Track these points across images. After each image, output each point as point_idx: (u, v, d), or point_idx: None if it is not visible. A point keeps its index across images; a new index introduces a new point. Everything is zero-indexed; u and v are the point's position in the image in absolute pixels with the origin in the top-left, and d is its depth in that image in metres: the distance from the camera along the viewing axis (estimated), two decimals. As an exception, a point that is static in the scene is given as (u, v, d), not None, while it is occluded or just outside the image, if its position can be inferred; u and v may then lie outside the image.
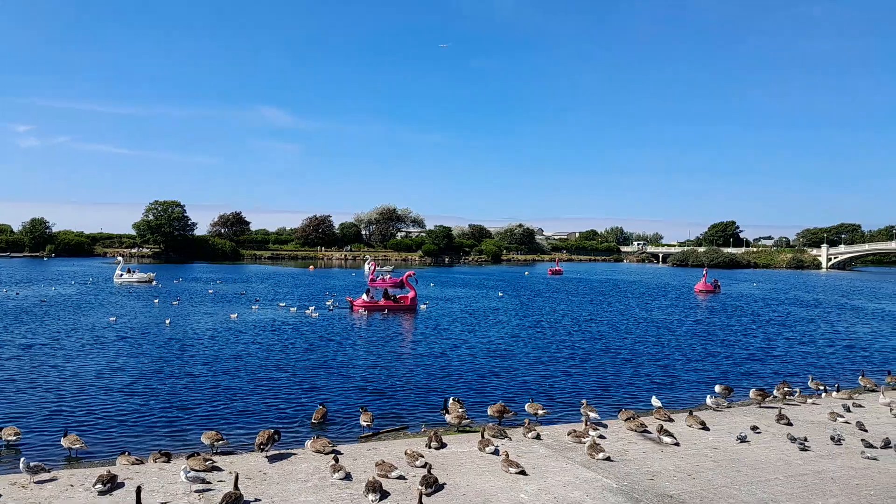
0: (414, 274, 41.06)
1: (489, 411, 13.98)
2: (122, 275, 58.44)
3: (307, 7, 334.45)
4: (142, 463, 10.51)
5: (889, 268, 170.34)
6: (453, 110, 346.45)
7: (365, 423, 13.26)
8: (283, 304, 39.61)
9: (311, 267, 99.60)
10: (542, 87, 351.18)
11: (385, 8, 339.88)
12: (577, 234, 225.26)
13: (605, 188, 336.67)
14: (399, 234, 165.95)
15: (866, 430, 12.74)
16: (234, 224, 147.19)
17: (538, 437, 12.27)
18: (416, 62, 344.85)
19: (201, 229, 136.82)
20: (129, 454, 10.71)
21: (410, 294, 39.44)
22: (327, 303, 40.31)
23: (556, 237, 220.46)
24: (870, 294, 65.07)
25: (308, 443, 11.43)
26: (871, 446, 11.54)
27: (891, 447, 11.49)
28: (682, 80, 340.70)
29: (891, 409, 14.75)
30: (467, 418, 13.45)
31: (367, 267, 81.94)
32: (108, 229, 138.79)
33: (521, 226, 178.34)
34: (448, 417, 13.35)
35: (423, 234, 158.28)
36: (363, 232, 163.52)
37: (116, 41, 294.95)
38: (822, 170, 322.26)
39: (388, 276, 65.86)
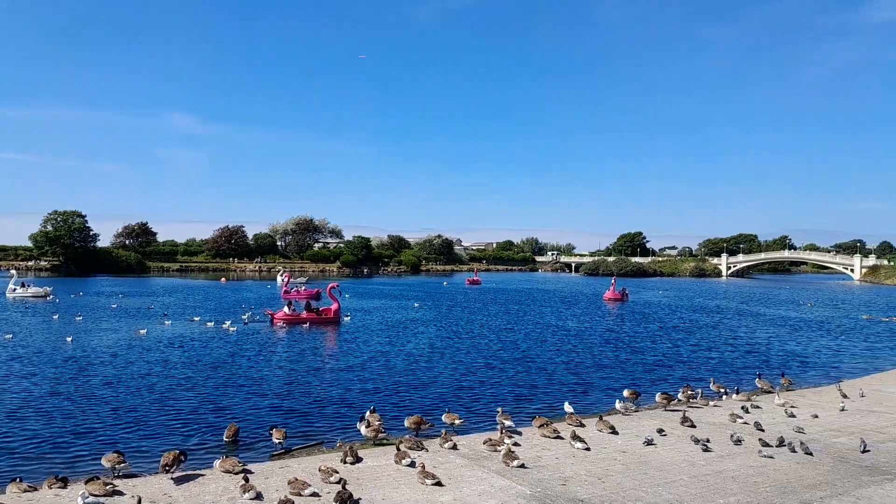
0: (338, 286, 40.37)
1: (406, 423, 13.90)
2: (15, 289, 54.58)
3: (222, 13, 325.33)
4: (35, 490, 9.75)
5: (783, 275, 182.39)
6: (373, 121, 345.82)
7: (277, 441, 12.86)
8: (198, 319, 38.04)
9: (223, 279, 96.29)
10: (461, 99, 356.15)
11: (304, 17, 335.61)
12: (495, 245, 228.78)
13: (522, 199, 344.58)
14: (316, 244, 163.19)
15: (763, 430, 13.47)
16: (140, 235, 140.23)
17: (455, 447, 12.28)
18: (334, 72, 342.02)
19: (105, 241, 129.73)
20: (21, 481, 9.93)
21: (334, 306, 38.73)
22: (243, 316, 38.97)
23: (474, 248, 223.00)
24: (766, 300, 69.34)
25: (217, 462, 10.96)
26: (767, 445, 12.20)
27: (785, 445, 12.19)
28: (592, 94, 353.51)
29: (785, 410, 15.68)
30: (384, 431, 13.30)
31: (279, 279, 79.83)
32: (1, 241, 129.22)
33: (440, 236, 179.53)
34: (364, 431, 13.16)
35: (342, 245, 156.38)
36: (279, 243, 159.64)
37: (6, 42, 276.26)
38: (722, 183, 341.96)
39: (303, 288, 63.95)
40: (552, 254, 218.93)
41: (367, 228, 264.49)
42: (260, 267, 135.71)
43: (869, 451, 12.07)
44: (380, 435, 13.10)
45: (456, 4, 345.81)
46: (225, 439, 13.29)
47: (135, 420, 15.17)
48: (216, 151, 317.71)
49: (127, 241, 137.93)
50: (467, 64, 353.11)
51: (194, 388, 18.90)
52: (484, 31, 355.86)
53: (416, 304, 53.25)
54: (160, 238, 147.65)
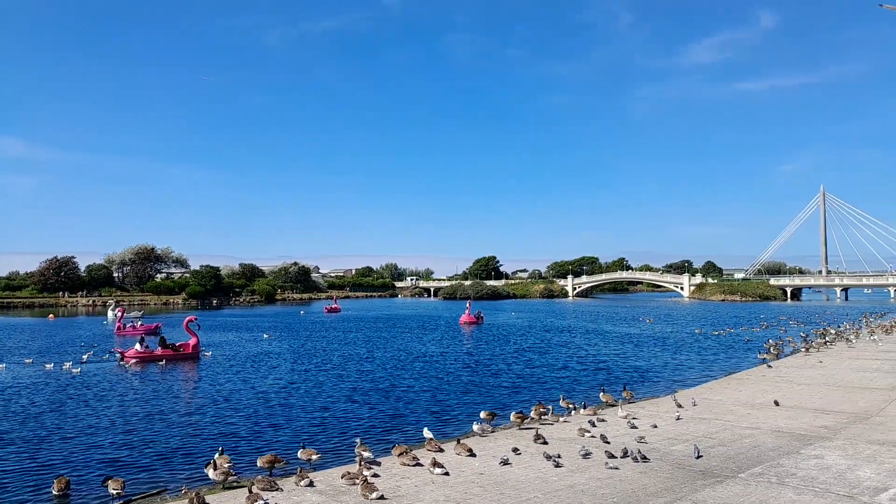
0: (196, 319, 37.73)
1: (259, 463, 13.23)
2: None
3: (55, 31, 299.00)
4: None
5: (622, 294, 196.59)
6: (221, 146, 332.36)
7: (115, 491, 11.68)
8: (30, 361, 34.05)
9: (51, 316, 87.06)
10: (314, 124, 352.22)
11: (146, 38, 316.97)
12: (354, 272, 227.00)
13: (381, 225, 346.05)
14: (159, 275, 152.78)
15: (609, 443, 14.18)
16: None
17: (311, 483, 11.79)
18: (179, 94, 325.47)
19: None
20: None
21: (192, 341, 36.18)
22: (84, 356, 35.19)
23: (332, 275, 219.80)
24: (609, 318, 74.23)
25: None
26: (613, 457, 12.84)
27: (628, 456, 12.89)
28: (445, 123, 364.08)
29: (627, 421, 16.65)
30: (234, 473, 12.52)
31: (111, 314, 73.43)
32: None
33: (296, 264, 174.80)
34: (212, 474, 12.28)
35: (188, 276, 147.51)
36: (115, 274, 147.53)
37: None
38: (565, 209, 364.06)
39: (139, 323, 59.30)
40: (411, 279, 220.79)
41: (217, 257, 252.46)
42: (94, 301, 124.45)
43: (702, 456, 13.06)
44: (230, 478, 12.31)
45: (309, 29, 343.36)
46: (55, 493, 11.91)
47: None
48: (46, 178, 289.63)
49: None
50: (324, 88, 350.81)
51: (22, 439, 16.74)
52: (337, 57, 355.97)
53: (264, 335, 50.78)
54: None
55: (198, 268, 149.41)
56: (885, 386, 22.03)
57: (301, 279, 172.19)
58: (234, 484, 12.24)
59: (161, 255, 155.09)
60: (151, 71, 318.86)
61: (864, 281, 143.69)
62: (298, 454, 13.89)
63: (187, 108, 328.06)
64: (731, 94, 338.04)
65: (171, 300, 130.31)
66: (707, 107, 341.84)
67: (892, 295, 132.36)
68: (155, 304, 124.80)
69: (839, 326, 51.52)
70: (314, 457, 13.71)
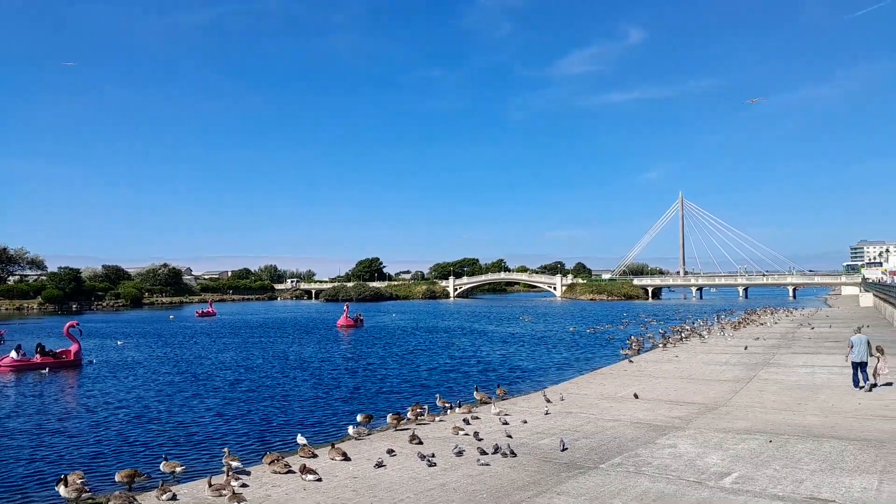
0: (77, 324, 35.15)
1: (117, 478, 12.49)
2: None
3: None
4: None
5: (500, 294, 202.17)
6: (85, 141, 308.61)
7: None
8: None
9: None
10: (186, 118, 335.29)
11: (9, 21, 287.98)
12: (230, 273, 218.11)
13: (259, 226, 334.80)
14: (12, 278, 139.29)
15: (481, 440, 14.55)
16: None
17: (174, 497, 11.24)
18: (35, 81, 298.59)
19: None
20: None
21: (73, 347, 33.75)
22: None
23: (206, 277, 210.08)
24: (489, 318, 76.16)
25: None
26: (484, 453, 13.19)
27: (499, 452, 13.30)
28: (321, 122, 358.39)
29: (500, 418, 17.18)
30: (88, 490, 11.73)
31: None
32: None
33: (165, 265, 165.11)
34: (63, 492, 11.43)
35: (45, 278, 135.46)
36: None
37: None
38: (447, 211, 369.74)
39: None
40: (292, 281, 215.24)
41: (78, 258, 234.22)
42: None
43: (567, 448, 13.71)
44: (83, 495, 11.52)
45: (181, 20, 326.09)
46: None
47: None
48: None
49: None
50: (194, 82, 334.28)
51: None
52: (209, 47, 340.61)
53: (118, 342, 47.27)
54: None
55: (56, 270, 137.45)
56: (733, 378, 24.13)
57: (171, 282, 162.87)
58: (89, 501, 11.54)
59: (14, 257, 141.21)
60: (6, 58, 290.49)
61: (717, 281, 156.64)
62: (161, 467, 13.20)
63: (45, 100, 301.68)
64: (600, 104, 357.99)
65: (26, 305, 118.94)
66: (579, 116, 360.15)
67: (741, 294, 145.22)
68: (7, 308, 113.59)
69: (693, 323, 55.83)
70: (178, 469, 13.07)
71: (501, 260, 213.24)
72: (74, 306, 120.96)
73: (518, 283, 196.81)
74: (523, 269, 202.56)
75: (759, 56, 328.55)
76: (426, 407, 18.26)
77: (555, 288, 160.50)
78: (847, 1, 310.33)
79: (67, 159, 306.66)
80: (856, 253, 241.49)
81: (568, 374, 28.48)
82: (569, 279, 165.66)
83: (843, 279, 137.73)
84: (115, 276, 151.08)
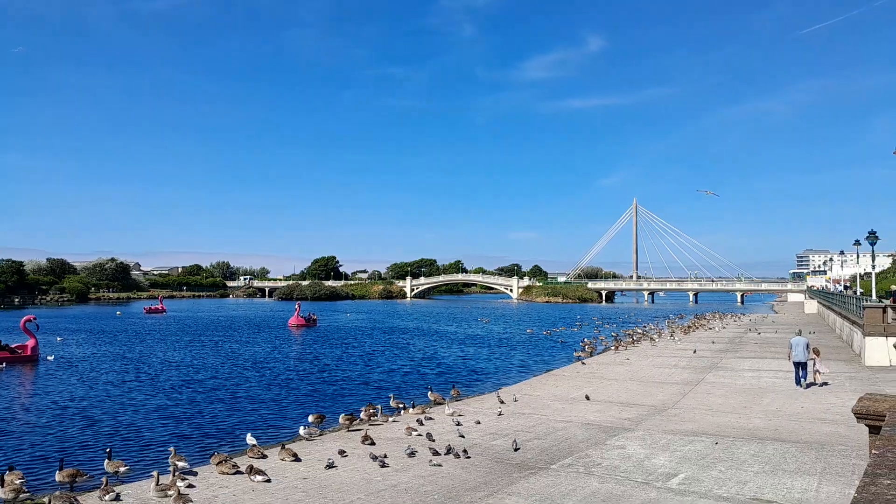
0: (35, 318, 33.96)
1: (58, 478, 12.11)
2: None
3: None
4: None
5: (457, 295, 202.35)
6: (35, 128, 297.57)
7: None
8: None
9: None
10: (141, 108, 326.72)
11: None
12: (181, 269, 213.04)
13: (211, 221, 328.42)
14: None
15: (434, 440, 14.51)
16: None
17: (118, 497, 10.94)
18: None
19: None
20: None
21: (30, 342, 32.80)
22: None
23: (156, 272, 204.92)
24: (446, 319, 76.18)
25: None
26: (437, 454, 13.16)
27: (451, 453, 13.28)
28: (279, 119, 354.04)
29: (453, 419, 17.18)
30: (27, 490, 11.34)
31: None
32: None
33: (113, 260, 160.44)
34: (0, 493, 11.00)
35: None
36: None
37: None
38: (401, 212, 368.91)
39: None
40: (245, 278, 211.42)
41: (21, 251, 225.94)
42: None
43: (519, 449, 13.78)
44: (21, 494, 11.13)
45: (138, 8, 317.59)
46: None
47: None
48: None
49: None
50: (151, 71, 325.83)
51: None
52: (168, 38, 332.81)
53: (58, 339, 45.41)
54: None
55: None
56: (681, 381, 24.66)
57: (119, 277, 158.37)
58: (28, 502, 11.20)
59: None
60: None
61: (668, 286, 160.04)
62: (105, 466, 12.81)
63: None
64: (560, 109, 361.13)
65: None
66: (539, 120, 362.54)
67: (691, 299, 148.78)
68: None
69: (645, 327, 56.93)
70: (122, 469, 12.72)
71: (459, 261, 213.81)
72: (17, 300, 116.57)
73: (475, 285, 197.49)
74: (480, 271, 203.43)
75: (711, 69, 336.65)
76: (379, 407, 18.13)
77: (511, 290, 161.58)
78: (795, 19, 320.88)
79: (7, 146, 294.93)
80: (801, 261, 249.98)
81: (522, 375, 28.68)
82: (525, 281, 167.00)
83: (790, 286, 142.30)
84: (60, 269, 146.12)
